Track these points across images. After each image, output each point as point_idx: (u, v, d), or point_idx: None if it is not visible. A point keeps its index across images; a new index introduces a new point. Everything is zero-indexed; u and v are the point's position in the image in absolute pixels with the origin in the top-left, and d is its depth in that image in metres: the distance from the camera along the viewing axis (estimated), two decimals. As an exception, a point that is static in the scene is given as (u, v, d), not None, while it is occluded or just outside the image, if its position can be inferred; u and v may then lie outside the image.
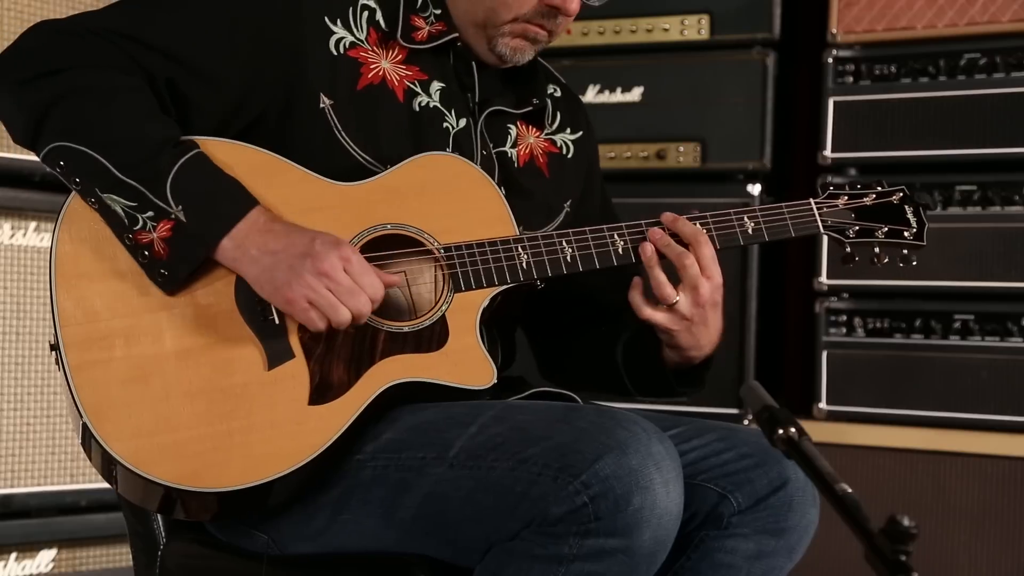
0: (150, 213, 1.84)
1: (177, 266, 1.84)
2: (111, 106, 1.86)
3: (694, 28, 3.60)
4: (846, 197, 2.14)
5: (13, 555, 3.16)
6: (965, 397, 3.30)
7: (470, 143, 2.09)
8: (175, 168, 1.84)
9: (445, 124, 2.07)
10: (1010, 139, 3.29)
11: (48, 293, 1.86)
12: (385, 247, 1.95)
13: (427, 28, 2.07)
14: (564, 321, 2.24)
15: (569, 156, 2.24)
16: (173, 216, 1.83)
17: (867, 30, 3.43)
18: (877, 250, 2.15)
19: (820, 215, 2.12)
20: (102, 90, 1.87)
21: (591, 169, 2.30)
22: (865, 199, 2.15)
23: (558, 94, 2.26)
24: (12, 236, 3.15)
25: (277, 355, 1.86)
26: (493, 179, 2.05)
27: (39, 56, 1.90)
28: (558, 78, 2.29)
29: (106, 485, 1.91)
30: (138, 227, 1.84)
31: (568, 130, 2.26)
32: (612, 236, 2.03)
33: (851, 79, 3.46)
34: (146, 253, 1.84)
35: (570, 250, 2.02)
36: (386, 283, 1.88)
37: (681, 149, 3.59)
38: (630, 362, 2.16)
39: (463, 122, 2.08)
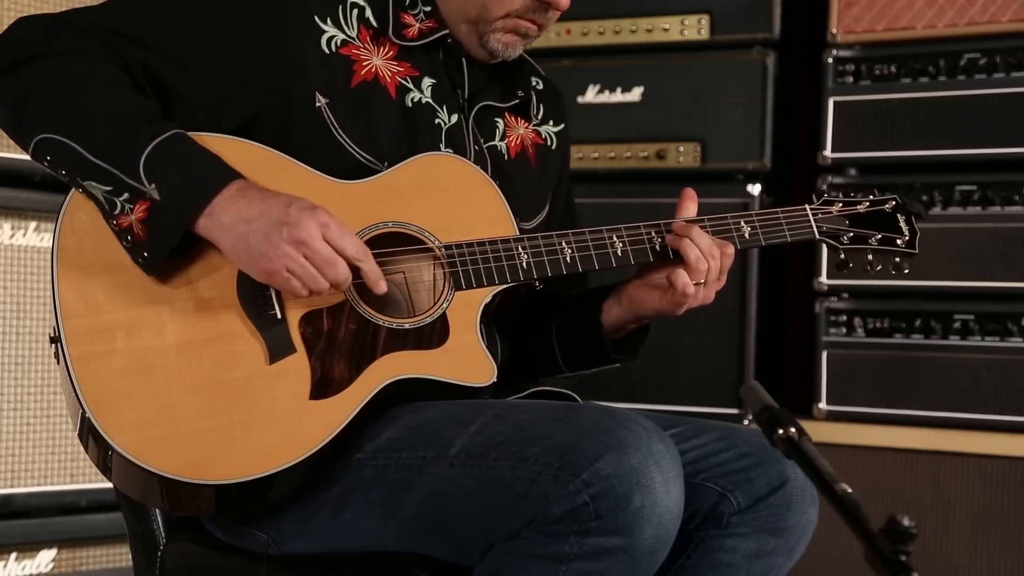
0: (126, 195, 1.82)
1: (155, 246, 1.82)
2: (84, 91, 1.85)
3: (694, 28, 3.60)
4: (840, 204, 2.18)
5: (13, 555, 3.16)
6: (965, 397, 3.30)
7: (462, 139, 2.10)
8: (149, 147, 1.83)
9: (437, 120, 2.07)
10: (1010, 139, 3.29)
11: (50, 286, 1.86)
12: (386, 245, 1.95)
13: (417, 25, 2.08)
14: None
15: (553, 148, 2.27)
16: (148, 195, 1.82)
17: (867, 30, 3.43)
18: (870, 257, 2.18)
19: (815, 221, 2.15)
20: (74, 75, 1.86)
21: (565, 162, 2.33)
22: (859, 207, 2.18)
23: (540, 87, 2.28)
24: (12, 236, 3.15)
25: (278, 349, 1.86)
26: (486, 174, 2.06)
27: (15, 47, 1.90)
28: (539, 71, 2.31)
29: (106, 485, 1.91)
30: (117, 211, 1.83)
31: (551, 122, 2.28)
32: (611, 237, 2.05)
33: (851, 79, 3.46)
34: (128, 238, 1.83)
35: (570, 251, 2.03)
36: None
37: (681, 149, 3.59)
38: (562, 337, 2.19)
39: (455, 118, 2.09)
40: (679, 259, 2.04)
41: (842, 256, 2.17)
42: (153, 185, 1.82)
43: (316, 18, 2.00)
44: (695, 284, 2.03)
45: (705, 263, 2.03)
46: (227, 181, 1.84)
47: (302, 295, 1.84)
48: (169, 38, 1.93)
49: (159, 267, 1.84)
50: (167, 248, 1.83)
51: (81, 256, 1.87)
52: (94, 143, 1.83)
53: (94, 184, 1.84)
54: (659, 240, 2.06)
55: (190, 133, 1.89)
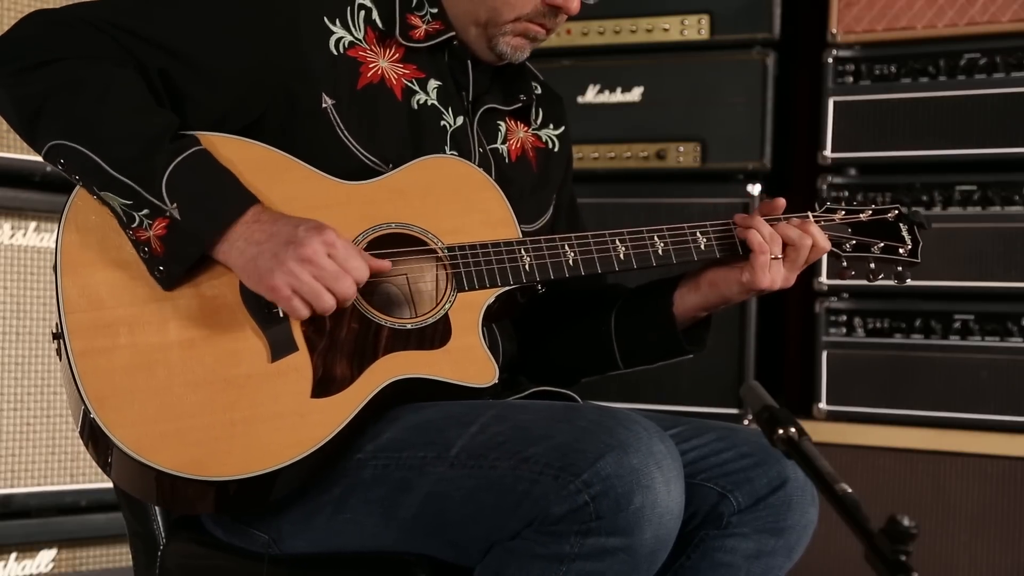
0: (146, 211, 1.84)
1: (172, 264, 1.84)
2: (105, 101, 1.86)
3: (694, 28, 3.60)
4: (843, 212, 2.18)
5: (13, 555, 3.16)
6: (965, 397, 3.30)
7: (467, 141, 2.10)
8: (171, 166, 1.84)
9: (443, 122, 2.08)
10: (1010, 139, 3.29)
11: (53, 282, 1.86)
12: (389, 246, 1.95)
13: (424, 27, 2.09)
14: (547, 312, 2.25)
15: (556, 151, 2.28)
16: (168, 214, 1.83)
17: (867, 30, 3.44)
18: (872, 265, 2.19)
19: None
20: (96, 84, 1.86)
21: (569, 164, 2.34)
22: (861, 215, 2.18)
23: (539, 92, 2.29)
24: (12, 236, 3.15)
25: (280, 347, 1.86)
26: (490, 176, 2.06)
27: (31, 46, 1.89)
28: (539, 76, 2.32)
29: (106, 485, 1.91)
30: (135, 225, 1.84)
31: (551, 126, 2.29)
32: (614, 241, 2.05)
33: (851, 79, 3.46)
34: (146, 249, 1.85)
35: (572, 254, 2.03)
36: (373, 268, 1.88)
37: (681, 149, 3.59)
38: (624, 330, 2.18)
39: (460, 120, 2.10)
40: (680, 263, 2.05)
41: (844, 264, 2.18)
42: (175, 204, 1.83)
43: (326, 19, 2.01)
44: (773, 259, 2.05)
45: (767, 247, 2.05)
46: (246, 207, 1.86)
47: (302, 315, 1.84)
48: (184, 41, 1.93)
49: (176, 282, 1.85)
50: (184, 266, 1.85)
51: (85, 252, 1.87)
52: (115, 157, 1.84)
53: (112, 195, 1.85)
54: (661, 244, 2.07)
55: (199, 134, 1.89)
